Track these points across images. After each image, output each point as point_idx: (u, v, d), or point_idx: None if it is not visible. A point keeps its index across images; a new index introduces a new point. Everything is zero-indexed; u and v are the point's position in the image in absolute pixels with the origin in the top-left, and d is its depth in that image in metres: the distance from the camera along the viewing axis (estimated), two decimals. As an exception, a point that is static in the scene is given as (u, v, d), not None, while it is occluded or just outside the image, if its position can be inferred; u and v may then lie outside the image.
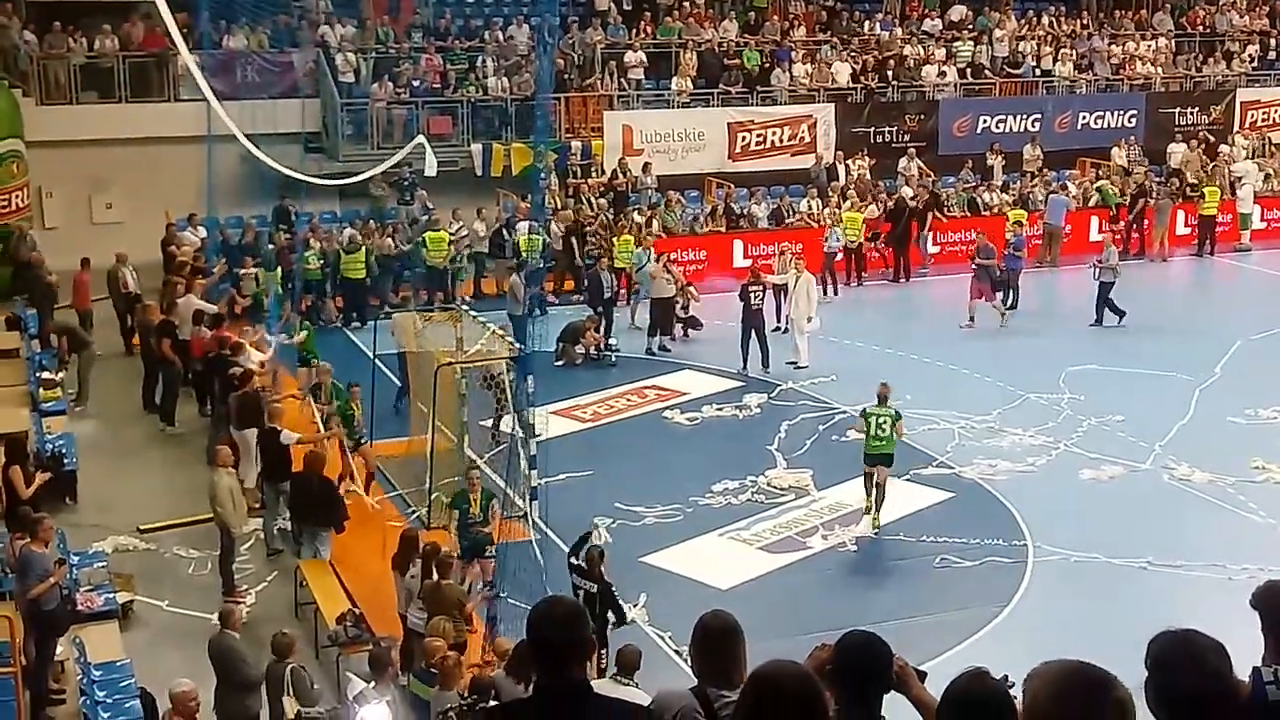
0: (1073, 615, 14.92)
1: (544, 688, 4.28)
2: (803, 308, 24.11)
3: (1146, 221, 32.20)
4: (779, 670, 3.84)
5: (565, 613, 4.40)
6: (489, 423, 19.17)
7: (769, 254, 27.74)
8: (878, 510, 17.50)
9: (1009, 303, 27.24)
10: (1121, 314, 26.42)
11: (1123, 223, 32.08)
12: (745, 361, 23.70)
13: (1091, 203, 32.60)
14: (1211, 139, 35.60)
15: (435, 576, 13.62)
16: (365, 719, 9.26)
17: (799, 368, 23.70)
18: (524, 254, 26.74)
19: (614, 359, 24.47)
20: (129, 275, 24.50)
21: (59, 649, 13.17)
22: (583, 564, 13.59)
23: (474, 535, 15.51)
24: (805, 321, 24.12)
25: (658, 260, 25.93)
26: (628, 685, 10.19)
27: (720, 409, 21.99)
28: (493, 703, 9.84)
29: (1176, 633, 4.07)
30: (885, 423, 17.30)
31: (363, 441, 18.82)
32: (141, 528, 17.54)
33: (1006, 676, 6.59)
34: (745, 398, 22.36)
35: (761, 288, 24.03)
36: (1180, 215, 32.76)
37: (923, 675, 5.13)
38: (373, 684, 10.63)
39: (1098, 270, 26.75)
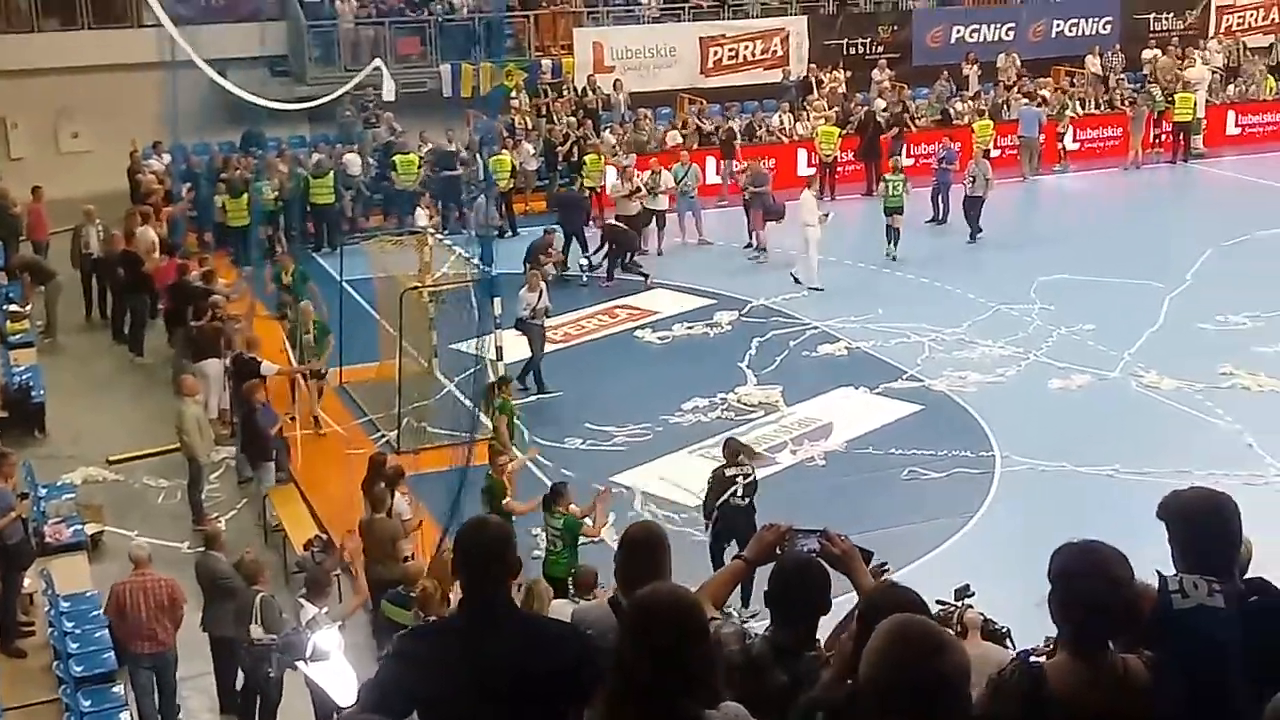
0: (1038, 524, 14.89)
1: (468, 606, 4.30)
2: (809, 220, 23.52)
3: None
4: (653, 595, 3.76)
5: (491, 533, 4.44)
6: (461, 346, 19.04)
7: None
8: (895, 246, 24.66)
9: (940, 218, 26.90)
10: (977, 231, 25.92)
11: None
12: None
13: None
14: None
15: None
16: (318, 645, 9.32)
17: (813, 289, 23.22)
18: (493, 175, 26.61)
19: (585, 279, 24.32)
20: (94, 236, 22.51)
21: (26, 582, 13.18)
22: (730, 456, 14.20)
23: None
24: (815, 232, 23.41)
25: (619, 175, 25.74)
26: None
27: (691, 327, 21.96)
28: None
29: (1079, 544, 4.09)
30: (898, 185, 24.77)
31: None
32: (111, 458, 17.54)
33: (968, 586, 6.64)
34: (716, 315, 22.30)
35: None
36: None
37: (868, 556, 5.04)
38: (325, 610, 10.66)
39: (969, 183, 26.15)
